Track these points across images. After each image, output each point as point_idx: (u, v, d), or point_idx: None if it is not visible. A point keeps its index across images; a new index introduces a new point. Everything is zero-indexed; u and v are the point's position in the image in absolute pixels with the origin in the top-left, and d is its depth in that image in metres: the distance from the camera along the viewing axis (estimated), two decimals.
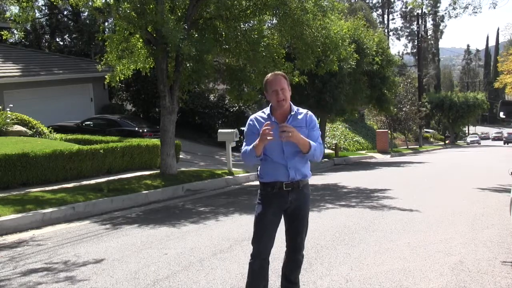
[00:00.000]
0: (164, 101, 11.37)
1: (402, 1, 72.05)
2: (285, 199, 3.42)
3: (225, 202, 9.38)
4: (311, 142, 3.36)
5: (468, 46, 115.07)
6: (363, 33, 20.98)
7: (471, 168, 17.09)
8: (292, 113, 3.45)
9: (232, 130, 13.72)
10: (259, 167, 3.55)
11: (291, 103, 3.50)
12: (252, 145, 3.35)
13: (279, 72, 3.50)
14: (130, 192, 9.40)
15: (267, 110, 3.50)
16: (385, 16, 74.71)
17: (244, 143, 3.52)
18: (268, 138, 3.19)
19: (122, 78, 12.95)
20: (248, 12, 11.46)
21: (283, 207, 3.45)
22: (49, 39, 30.62)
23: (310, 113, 3.54)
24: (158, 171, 11.94)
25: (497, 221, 6.89)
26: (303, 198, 3.48)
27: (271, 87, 3.39)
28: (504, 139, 57.72)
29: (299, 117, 3.47)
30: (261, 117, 3.49)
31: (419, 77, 45.82)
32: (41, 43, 29.62)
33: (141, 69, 12.58)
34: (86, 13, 26.73)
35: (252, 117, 3.55)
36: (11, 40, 18.81)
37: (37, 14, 27.63)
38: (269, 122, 3.28)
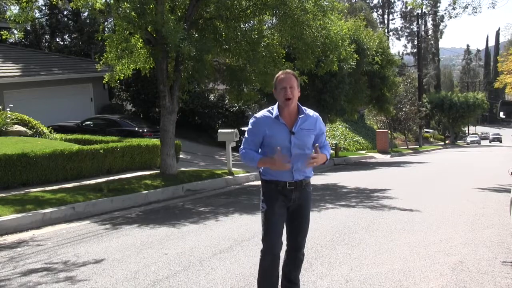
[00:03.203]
0: (164, 101, 11.37)
1: (402, 1, 72.07)
2: (288, 197, 3.42)
3: (225, 202, 9.38)
4: (326, 154, 3.45)
5: (468, 46, 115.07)
6: (363, 33, 20.99)
7: (471, 168, 17.10)
8: (301, 116, 3.41)
9: (232, 130, 13.72)
10: None
11: (300, 104, 3.45)
12: (260, 158, 3.35)
13: (290, 70, 3.46)
14: (130, 192, 9.40)
15: (274, 110, 3.42)
16: (385, 16, 74.76)
17: (244, 141, 3.46)
18: (286, 167, 3.27)
19: (122, 78, 12.95)
20: (248, 12, 11.45)
21: (286, 204, 3.44)
22: (49, 39, 30.61)
23: (317, 115, 3.52)
24: (158, 171, 11.94)
25: (497, 221, 6.89)
26: (306, 197, 3.48)
27: (281, 84, 3.35)
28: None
29: (309, 119, 3.44)
30: (267, 116, 3.43)
31: (419, 77, 45.88)
32: (41, 43, 29.61)
33: (141, 69, 12.57)
34: (86, 13, 26.73)
35: (257, 115, 3.48)
36: (11, 40, 18.80)
37: (37, 14, 27.67)
38: (286, 155, 3.28)
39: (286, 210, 3.46)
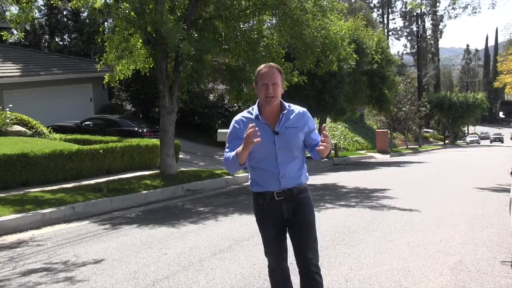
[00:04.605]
0: (164, 101, 11.37)
1: (402, 1, 72.07)
2: (279, 210, 3.03)
3: (225, 202, 9.38)
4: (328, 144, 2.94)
5: (467, 46, 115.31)
6: (363, 32, 21.02)
7: (471, 168, 17.11)
8: (284, 112, 3.00)
9: None
10: (249, 173, 3.17)
11: (282, 101, 3.05)
12: (235, 151, 2.88)
13: (274, 64, 3.04)
14: (129, 192, 9.40)
15: (254, 109, 3.04)
16: (385, 16, 74.76)
17: (226, 149, 3.04)
18: (255, 140, 2.71)
19: (121, 78, 12.95)
20: (247, 12, 11.45)
21: (280, 219, 3.05)
22: (49, 39, 30.61)
23: (304, 110, 3.10)
24: (158, 171, 11.94)
25: (497, 221, 6.89)
26: (301, 205, 3.05)
27: (262, 80, 2.95)
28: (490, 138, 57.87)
29: (293, 116, 3.03)
30: (247, 117, 3.04)
31: (419, 77, 45.85)
32: (40, 43, 29.61)
33: (140, 69, 12.57)
34: (85, 13, 26.74)
35: (236, 117, 3.08)
36: (10, 40, 18.81)
37: (37, 14, 27.62)
38: (253, 123, 2.77)
39: (285, 224, 3.07)
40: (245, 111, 3.11)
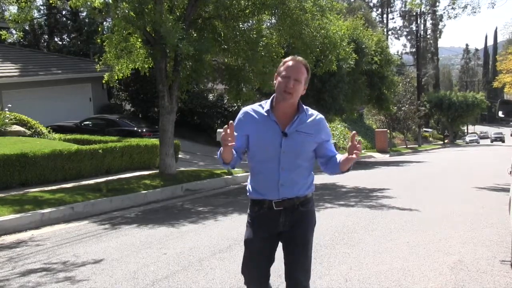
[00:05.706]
0: (163, 101, 11.36)
1: (402, 1, 72.11)
2: (275, 222, 2.75)
3: (224, 202, 9.38)
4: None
5: (467, 45, 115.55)
6: (362, 32, 21.03)
7: (470, 167, 17.12)
8: (300, 114, 2.71)
9: None
10: (249, 178, 2.88)
11: (300, 102, 2.75)
12: (219, 150, 2.65)
13: (302, 59, 2.71)
14: (129, 192, 9.39)
15: (266, 104, 2.74)
16: (385, 15, 74.76)
17: None
18: (229, 144, 2.48)
19: (121, 78, 12.94)
20: (247, 11, 11.46)
21: (274, 231, 2.78)
22: (48, 39, 30.61)
23: (321, 117, 2.80)
24: (157, 171, 11.93)
25: (496, 221, 6.89)
26: (301, 220, 2.77)
27: (285, 71, 2.65)
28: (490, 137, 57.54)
29: (309, 120, 2.73)
30: (256, 111, 2.76)
31: (418, 76, 45.87)
32: (39, 43, 29.60)
33: (140, 69, 12.56)
34: (84, 13, 26.72)
35: (245, 109, 2.81)
36: (9, 40, 18.81)
37: (36, 14, 27.61)
38: (227, 126, 2.47)
39: (280, 238, 2.81)
40: (256, 104, 2.82)
